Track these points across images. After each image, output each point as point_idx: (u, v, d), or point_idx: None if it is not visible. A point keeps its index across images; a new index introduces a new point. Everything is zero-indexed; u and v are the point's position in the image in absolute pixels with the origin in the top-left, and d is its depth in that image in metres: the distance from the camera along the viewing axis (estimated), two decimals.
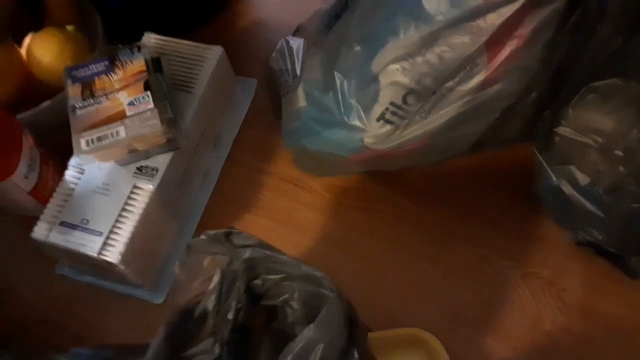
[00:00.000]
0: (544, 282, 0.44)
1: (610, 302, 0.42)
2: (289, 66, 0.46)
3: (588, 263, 0.43)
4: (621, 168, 0.37)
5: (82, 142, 0.43)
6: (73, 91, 0.45)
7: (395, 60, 0.36)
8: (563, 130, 0.39)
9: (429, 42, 0.35)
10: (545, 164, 0.40)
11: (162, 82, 0.46)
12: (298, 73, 0.44)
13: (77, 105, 0.44)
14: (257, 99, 0.55)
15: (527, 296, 0.44)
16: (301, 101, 0.42)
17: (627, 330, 0.42)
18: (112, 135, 0.43)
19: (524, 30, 0.34)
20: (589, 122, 0.38)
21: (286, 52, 0.47)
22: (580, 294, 0.43)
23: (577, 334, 0.42)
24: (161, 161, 0.45)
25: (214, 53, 0.50)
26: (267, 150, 0.52)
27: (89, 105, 0.44)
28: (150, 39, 0.51)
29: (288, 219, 0.49)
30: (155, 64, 0.46)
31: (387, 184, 0.49)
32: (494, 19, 0.33)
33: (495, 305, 0.44)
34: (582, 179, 0.39)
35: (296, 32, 0.50)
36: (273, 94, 0.50)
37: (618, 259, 0.41)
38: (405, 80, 0.36)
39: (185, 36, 0.51)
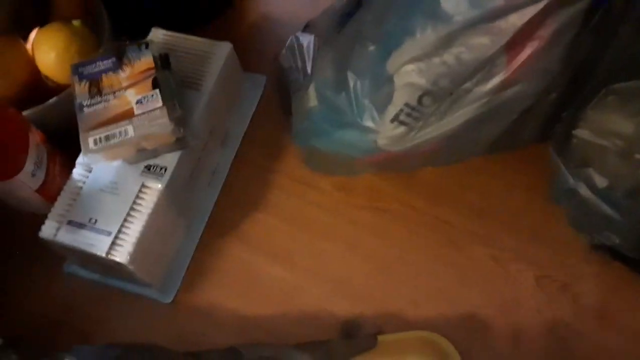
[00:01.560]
0: (559, 285, 0.43)
1: (626, 308, 0.42)
2: (299, 64, 0.46)
3: (604, 267, 0.43)
4: None
5: (90, 141, 0.42)
6: (80, 89, 0.44)
7: (411, 60, 0.35)
8: (582, 132, 0.38)
9: (446, 42, 0.34)
10: (562, 166, 0.39)
11: (170, 79, 0.45)
12: (309, 71, 0.43)
13: (84, 104, 0.43)
14: (266, 96, 0.54)
15: (541, 299, 0.43)
16: (312, 100, 0.41)
17: None
18: (120, 134, 0.42)
19: (546, 31, 0.33)
20: (609, 124, 0.37)
21: (296, 49, 0.46)
22: (596, 298, 0.42)
23: (592, 340, 0.41)
24: (170, 160, 0.44)
25: (223, 49, 0.49)
26: (277, 148, 0.51)
27: (96, 104, 0.43)
28: (158, 34, 0.50)
29: (297, 218, 0.48)
30: (163, 61, 0.45)
31: (398, 183, 0.48)
32: (516, 20, 0.32)
33: (509, 308, 0.43)
34: (600, 182, 0.38)
35: (306, 28, 0.49)
36: (282, 92, 0.49)
37: (635, 264, 0.40)
38: (421, 81, 0.35)
39: (193, 31, 0.50)
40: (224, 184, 0.51)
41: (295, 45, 0.46)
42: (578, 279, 0.43)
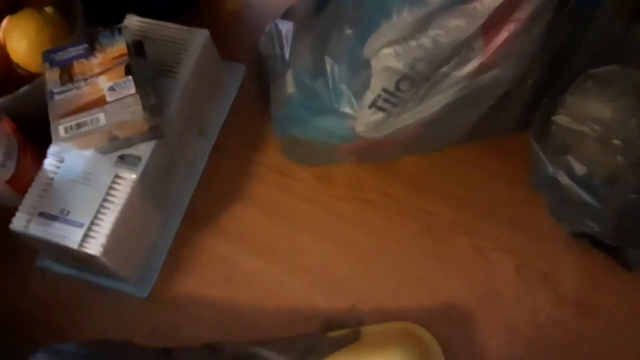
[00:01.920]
0: (539, 274, 0.43)
1: (605, 295, 0.42)
2: (278, 51, 0.45)
3: (584, 255, 0.43)
4: (619, 158, 0.36)
5: (61, 129, 0.41)
6: (51, 76, 0.43)
7: (388, 44, 0.34)
8: (560, 118, 0.37)
9: (423, 25, 0.33)
10: (541, 153, 0.39)
11: (144, 66, 0.44)
12: (287, 58, 0.42)
13: (55, 91, 0.42)
14: (245, 86, 0.53)
15: (521, 289, 0.43)
16: (290, 87, 0.40)
17: (623, 323, 0.41)
18: (91, 122, 0.41)
19: (522, 13, 0.33)
20: (587, 110, 0.37)
21: (275, 36, 0.46)
22: (576, 286, 0.42)
23: (572, 327, 0.41)
24: (144, 149, 0.43)
25: (199, 36, 0.48)
26: (256, 139, 0.51)
27: (67, 91, 0.42)
28: (133, 21, 0.49)
29: (277, 210, 0.48)
30: (137, 48, 0.44)
31: (379, 173, 0.48)
32: (491, 1, 0.32)
33: (489, 297, 0.43)
34: (579, 168, 0.38)
35: (285, 15, 0.48)
36: (262, 80, 0.48)
37: (614, 251, 0.40)
38: (398, 65, 0.35)
39: (170, 19, 0.49)
40: (202, 175, 0.50)
41: (274, 32, 0.45)
42: (558, 267, 0.43)
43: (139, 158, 0.43)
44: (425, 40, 0.34)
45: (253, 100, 0.52)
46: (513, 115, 0.39)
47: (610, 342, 0.41)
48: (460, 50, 0.34)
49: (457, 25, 0.33)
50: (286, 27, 0.44)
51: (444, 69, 0.35)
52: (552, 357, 0.41)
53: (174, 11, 0.54)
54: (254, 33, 0.51)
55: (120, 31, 0.44)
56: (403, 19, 0.33)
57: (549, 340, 0.41)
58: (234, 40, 0.55)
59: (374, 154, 0.42)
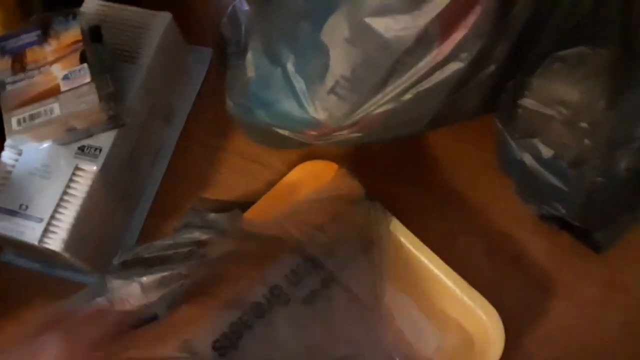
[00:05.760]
0: (508, 257, 0.43)
1: (574, 277, 0.42)
2: (242, 32, 0.43)
3: (552, 238, 0.43)
4: (586, 141, 0.36)
5: (14, 121, 0.39)
6: (2, 65, 0.41)
7: (346, 29, 0.33)
8: (527, 101, 0.37)
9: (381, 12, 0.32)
10: (508, 137, 0.38)
11: (101, 53, 0.42)
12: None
13: (7, 81, 0.40)
14: (212, 70, 0.51)
15: (491, 272, 0.43)
16: (250, 72, 0.39)
17: (592, 305, 0.41)
18: (45, 112, 0.39)
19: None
20: (554, 93, 0.36)
21: (237, 17, 0.44)
22: (544, 268, 0.42)
23: (541, 310, 0.41)
24: (105, 140, 0.42)
25: (161, 20, 0.46)
26: (224, 125, 0.49)
27: (19, 80, 0.40)
28: (92, 5, 0.47)
29: (246, 197, 0.47)
30: (93, 33, 0.42)
31: (347, 159, 0.47)
32: None
33: None
34: (546, 152, 0.37)
35: None
36: (227, 64, 0.47)
37: (582, 234, 0.40)
38: (356, 51, 0.33)
39: (133, 2, 0.47)
40: (169, 163, 0.49)
41: (237, 13, 0.44)
42: (527, 250, 0.43)
43: (99, 149, 0.42)
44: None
45: (221, 85, 0.50)
46: (477, 101, 0.38)
47: (578, 322, 0.41)
48: (420, 38, 0.33)
49: (415, 14, 0.32)
50: (247, 8, 0.43)
51: (403, 57, 0.34)
52: (520, 339, 0.41)
53: None
54: (220, 14, 0.50)
55: (74, 16, 0.42)
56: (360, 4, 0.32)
57: (518, 323, 0.41)
58: (200, 23, 0.53)
59: (337, 140, 0.41)
